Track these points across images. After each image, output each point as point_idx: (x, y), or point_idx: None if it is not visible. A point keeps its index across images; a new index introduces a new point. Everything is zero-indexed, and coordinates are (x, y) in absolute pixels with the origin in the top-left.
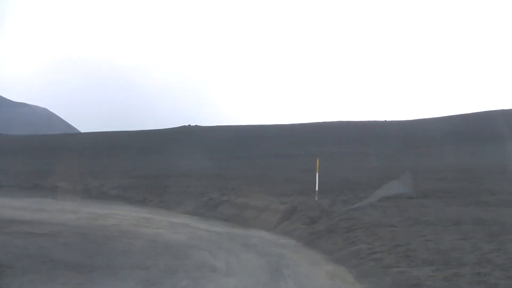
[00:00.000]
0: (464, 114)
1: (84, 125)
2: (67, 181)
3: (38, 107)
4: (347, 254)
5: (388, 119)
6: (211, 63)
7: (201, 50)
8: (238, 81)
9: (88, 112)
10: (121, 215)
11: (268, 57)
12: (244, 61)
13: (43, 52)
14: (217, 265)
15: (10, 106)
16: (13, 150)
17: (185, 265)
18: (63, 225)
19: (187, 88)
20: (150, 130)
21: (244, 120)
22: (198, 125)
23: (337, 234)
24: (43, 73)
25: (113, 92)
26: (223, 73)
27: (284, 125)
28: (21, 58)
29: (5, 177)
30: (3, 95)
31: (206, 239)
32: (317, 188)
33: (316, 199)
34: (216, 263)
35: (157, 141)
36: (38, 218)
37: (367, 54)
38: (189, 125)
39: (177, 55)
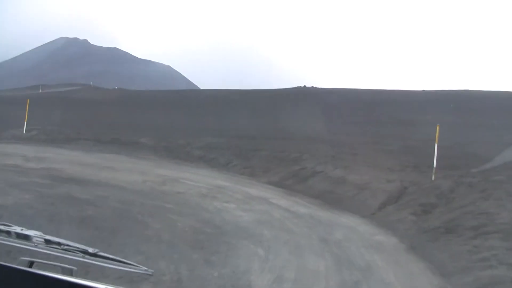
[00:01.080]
0: None
1: (206, 83)
2: (151, 137)
3: (162, 64)
4: (474, 281)
5: None
6: (331, 28)
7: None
8: (360, 44)
9: (210, 71)
10: (194, 181)
11: (389, 22)
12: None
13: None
14: (257, 284)
15: (136, 62)
16: (119, 102)
17: (212, 276)
18: (120, 189)
19: (307, 50)
20: (263, 89)
21: (362, 84)
22: (314, 86)
23: (459, 237)
24: (170, 33)
25: (233, 52)
26: (342, 36)
27: (403, 91)
28: (148, 17)
29: (87, 130)
30: (130, 52)
31: (278, 224)
32: (434, 164)
33: (433, 178)
34: (260, 278)
35: (268, 101)
36: (99, 178)
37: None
38: (305, 86)
39: (296, 20)
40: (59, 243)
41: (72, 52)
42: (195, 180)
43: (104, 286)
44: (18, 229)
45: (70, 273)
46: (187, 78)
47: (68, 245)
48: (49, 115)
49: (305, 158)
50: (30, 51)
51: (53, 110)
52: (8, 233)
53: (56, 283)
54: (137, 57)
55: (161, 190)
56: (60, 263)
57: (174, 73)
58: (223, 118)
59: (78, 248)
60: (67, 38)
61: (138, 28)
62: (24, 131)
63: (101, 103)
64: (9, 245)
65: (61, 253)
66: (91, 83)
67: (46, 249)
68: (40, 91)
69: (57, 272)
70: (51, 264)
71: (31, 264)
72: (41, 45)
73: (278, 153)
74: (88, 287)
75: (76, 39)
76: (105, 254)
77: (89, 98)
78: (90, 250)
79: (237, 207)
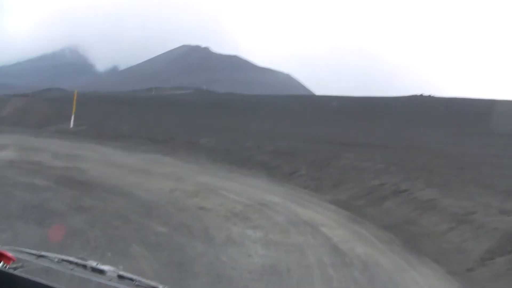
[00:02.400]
0: None
1: (325, 90)
2: (216, 138)
3: (282, 73)
4: None
5: None
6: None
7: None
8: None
9: (330, 78)
10: (236, 193)
11: None
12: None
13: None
14: None
15: (255, 70)
16: (217, 105)
17: None
18: (132, 199)
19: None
20: (374, 97)
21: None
22: (432, 95)
23: None
24: (291, 40)
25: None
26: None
27: None
28: (269, 25)
29: (150, 129)
30: (250, 60)
31: (302, 278)
32: None
33: None
34: None
35: (378, 108)
36: (120, 183)
37: None
38: (422, 95)
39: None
40: (131, 279)
41: (194, 59)
42: (238, 192)
43: None
44: (93, 264)
45: None
46: (306, 86)
47: (140, 281)
48: (128, 113)
49: (391, 170)
50: (154, 57)
51: (145, 109)
52: (84, 266)
53: None
54: (256, 65)
55: (183, 204)
56: None
57: (292, 81)
58: (314, 124)
59: (149, 284)
60: (189, 45)
61: (259, 36)
62: (71, 125)
63: (199, 105)
64: (84, 278)
65: None
66: (204, 87)
67: (119, 284)
68: (153, 93)
69: None
70: None
71: None
72: (165, 52)
73: (359, 163)
74: None
75: (197, 46)
76: None
77: (191, 100)
78: (161, 287)
79: (264, 237)
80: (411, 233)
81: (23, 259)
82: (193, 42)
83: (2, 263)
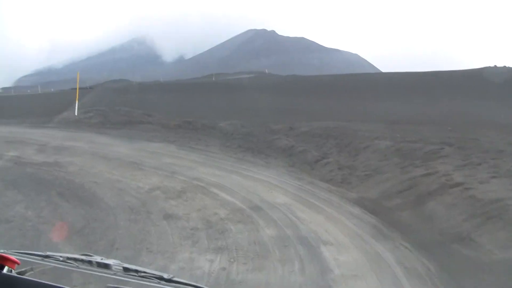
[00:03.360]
0: None
1: (396, 67)
2: (241, 121)
3: (349, 53)
4: None
5: None
6: None
7: None
8: None
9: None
10: (234, 191)
11: None
12: None
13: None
14: None
15: (323, 52)
16: (273, 88)
17: None
18: (90, 205)
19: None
20: (443, 71)
21: None
22: (507, 66)
23: None
24: (357, 19)
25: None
26: None
27: None
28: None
29: (169, 114)
30: (317, 42)
31: None
32: None
33: None
34: None
35: (444, 82)
36: (97, 180)
37: None
38: (495, 66)
39: None
40: (136, 271)
41: (260, 43)
42: (235, 189)
43: None
44: (98, 259)
45: None
46: (374, 65)
47: (144, 272)
48: (167, 100)
49: (446, 153)
50: (220, 44)
51: (191, 94)
52: (90, 262)
53: None
54: (324, 47)
55: (149, 210)
56: None
57: (361, 61)
58: (371, 102)
59: (154, 274)
60: (255, 30)
61: (325, 17)
62: (76, 113)
63: (252, 88)
64: (91, 273)
65: (138, 280)
66: (266, 70)
67: (124, 277)
68: (213, 79)
69: None
70: None
71: None
72: (231, 38)
73: (406, 144)
74: None
75: (264, 30)
76: (180, 280)
77: (248, 84)
78: (165, 276)
79: (221, 270)
80: (463, 261)
81: (29, 261)
82: (259, 26)
83: (7, 268)
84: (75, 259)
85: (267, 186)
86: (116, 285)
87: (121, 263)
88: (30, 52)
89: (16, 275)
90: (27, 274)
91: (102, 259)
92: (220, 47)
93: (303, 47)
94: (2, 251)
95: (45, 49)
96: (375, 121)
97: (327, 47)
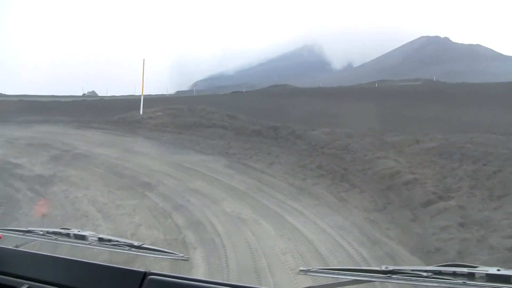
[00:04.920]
0: None
1: None
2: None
3: None
4: None
5: None
6: None
7: None
8: None
9: None
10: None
11: None
12: None
13: None
14: None
15: (500, 59)
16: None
17: None
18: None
19: None
20: None
21: None
22: None
23: None
24: None
25: None
26: None
27: None
28: None
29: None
30: (494, 49)
31: None
32: None
33: None
34: None
35: None
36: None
37: None
38: None
39: None
40: (109, 240)
41: (432, 50)
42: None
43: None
44: (75, 231)
45: None
46: None
47: (117, 241)
48: (298, 104)
49: None
50: (390, 52)
51: (333, 100)
52: (68, 235)
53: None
54: (503, 54)
55: None
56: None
57: None
58: None
59: (125, 242)
60: (428, 36)
61: (505, 23)
62: (141, 112)
63: (407, 95)
64: (70, 245)
65: (111, 248)
66: (434, 78)
67: (99, 246)
68: (376, 85)
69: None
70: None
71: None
72: (400, 46)
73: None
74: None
75: (437, 37)
76: (148, 246)
77: (408, 91)
78: (135, 243)
79: None
80: None
81: (11, 236)
82: (432, 33)
83: None
84: (55, 233)
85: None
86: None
87: (96, 234)
88: (204, 59)
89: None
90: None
91: (79, 231)
92: (390, 55)
93: (478, 54)
94: None
95: (218, 56)
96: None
97: (506, 54)
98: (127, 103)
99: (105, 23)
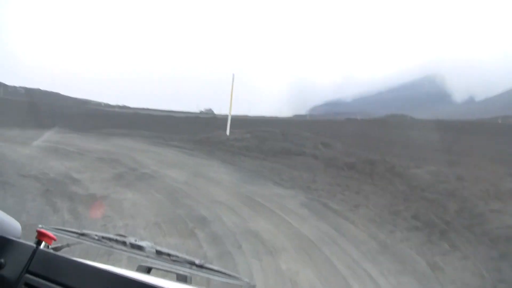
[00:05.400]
0: None
1: None
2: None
3: None
4: None
5: None
6: None
7: None
8: None
9: None
10: None
11: None
12: None
13: None
14: None
15: None
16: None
17: None
18: None
19: None
20: None
21: None
22: None
23: None
24: None
25: None
26: None
27: None
28: None
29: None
30: None
31: None
32: None
33: None
34: None
35: None
36: None
37: None
38: None
39: None
40: (168, 254)
41: None
42: None
43: None
44: (132, 240)
45: (185, 279)
46: None
47: (176, 256)
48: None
49: None
50: None
51: (441, 134)
52: (124, 243)
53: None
54: None
55: None
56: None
57: None
58: None
59: (186, 259)
60: None
61: None
62: (228, 133)
63: None
64: (124, 254)
65: (170, 263)
66: None
67: (156, 259)
68: (499, 121)
69: (172, 279)
70: (167, 271)
71: (149, 270)
72: None
73: None
74: None
75: None
76: (211, 266)
77: None
78: (197, 261)
79: None
80: None
81: (65, 238)
82: None
83: (44, 243)
84: (110, 239)
85: None
86: (148, 265)
87: (154, 245)
88: (323, 85)
89: (52, 251)
90: (62, 250)
91: (136, 240)
92: None
93: None
94: (40, 226)
95: (336, 82)
96: None
97: None
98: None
99: (231, 44)
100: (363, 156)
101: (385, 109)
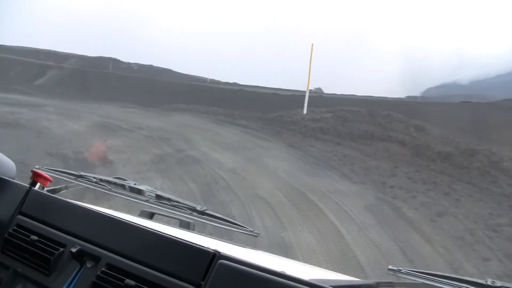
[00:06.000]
0: None
1: None
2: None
3: None
4: None
5: None
6: None
7: None
8: None
9: None
10: None
11: None
12: None
13: None
14: None
15: None
16: None
17: None
18: None
19: None
20: None
21: None
22: None
23: None
24: None
25: None
26: None
27: None
28: None
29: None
30: None
31: None
32: None
33: None
34: None
35: None
36: None
37: None
38: None
39: None
40: (169, 199)
41: None
42: None
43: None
44: (132, 183)
45: (188, 226)
46: None
47: (177, 202)
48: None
49: None
50: None
51: None
52: (123, 186)
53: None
54: None
55: None
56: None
57: None
58: None
59: (187, 205)
60: None
61: None
62: (305, 111)
63: None
64: (123, 198)
65: (170, 208)
66: None
67: (156, 204)
68: None
69: (175, 225)
70: (170, 217)
71: (151, 216)
72: None
73: None
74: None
75: None
76: (212, 213)
77: None
78: (198, 207)
79: None
80: None
81: (61, 179)
82: None
83: (39, 184)
84: (108, 182)
85: None
86: (151, 211)
87: (154, 190)
88: (438, 65)
89: (46, 192)
90: (60, 192)
91: (135, 184)
92: None
93: None
94: (36, 167)
95: (453, 63)
96: None
97: None
98: (324, 101)
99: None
100: (464, 144)
101: (504, 93)
